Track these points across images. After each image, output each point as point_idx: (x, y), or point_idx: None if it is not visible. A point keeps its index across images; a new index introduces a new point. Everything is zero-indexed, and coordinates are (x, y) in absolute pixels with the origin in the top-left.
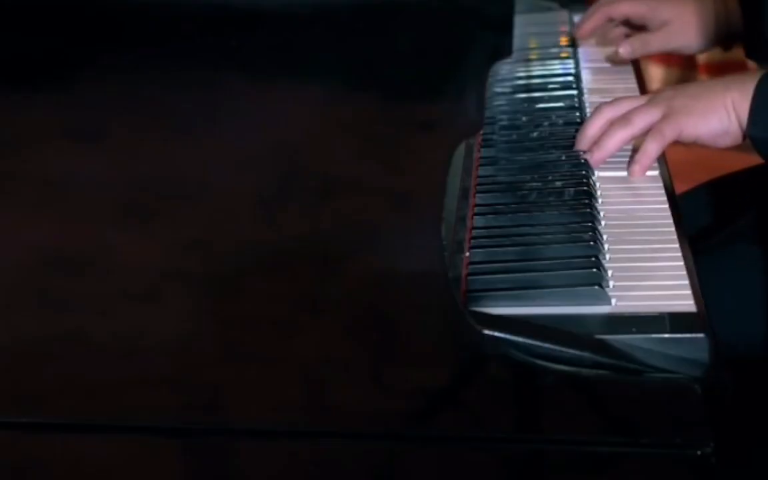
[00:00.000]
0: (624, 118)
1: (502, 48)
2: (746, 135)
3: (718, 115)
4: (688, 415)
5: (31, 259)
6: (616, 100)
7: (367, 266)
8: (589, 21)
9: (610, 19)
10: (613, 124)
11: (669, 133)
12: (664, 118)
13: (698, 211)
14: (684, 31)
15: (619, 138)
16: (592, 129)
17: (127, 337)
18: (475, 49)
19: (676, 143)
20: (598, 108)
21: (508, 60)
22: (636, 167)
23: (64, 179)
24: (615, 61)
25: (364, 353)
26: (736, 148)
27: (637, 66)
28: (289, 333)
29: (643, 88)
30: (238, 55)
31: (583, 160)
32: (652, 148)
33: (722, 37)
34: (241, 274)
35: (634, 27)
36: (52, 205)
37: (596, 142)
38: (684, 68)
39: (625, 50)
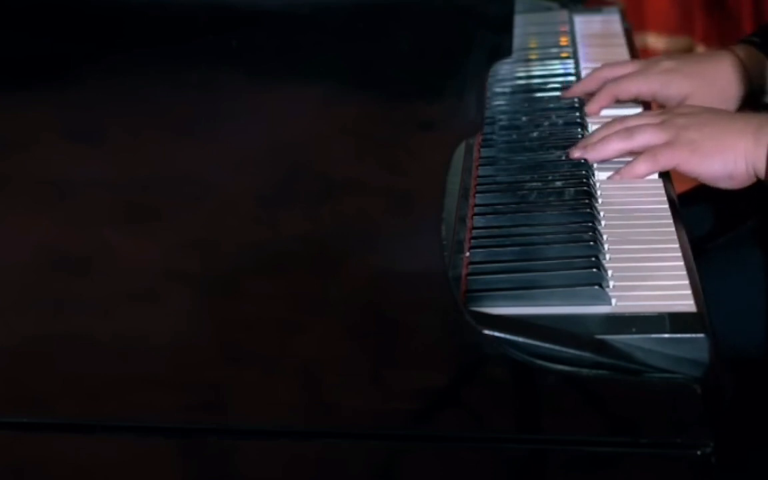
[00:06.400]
0: (627, 131)
1: (502, 48)
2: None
3: (723, 159)
4: (688, 415)
5: (32, 259)
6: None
7: (367, 266)
8: (595, 103)
9: (617, 100)
10: (615, 133)
11: (663, 162)
12: (667, 144)
13: (698, 211)
14: (709, 101)
15: (615, 149)
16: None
17: (127, 337)
18: (475, 49)
19: None
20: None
21: (508, 60)
22: (617, 176)
23: (64, 179)
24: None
25: (364, 353)
26: None
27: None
28: (289, 333)
29: None
30: (238, 55)
31: (582, 160)
32: (640, 169)
33: (746, 97)
34: (241, 274)
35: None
36: (52, 205)
37: (593, 144)
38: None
39: None
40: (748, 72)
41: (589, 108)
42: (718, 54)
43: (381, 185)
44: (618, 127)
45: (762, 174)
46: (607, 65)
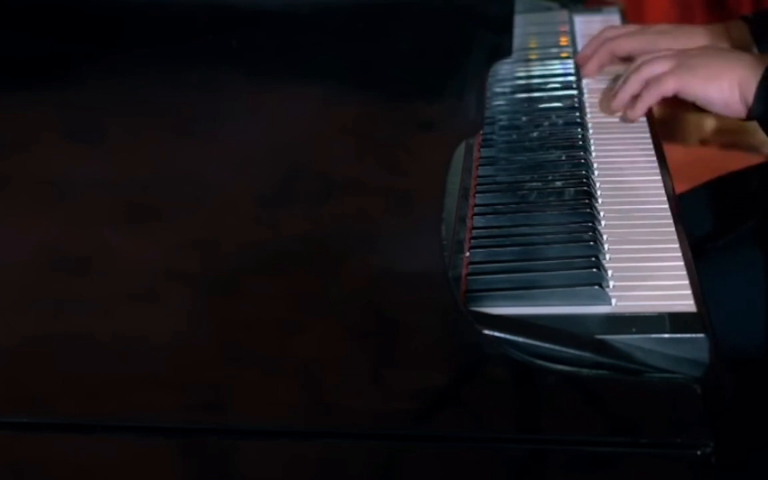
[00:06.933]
0: (638, 67)
1: (502, 48)
2: (750, 114)
3: (719, 86)
4: (688, 415)
5: (32, 259)
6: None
7: (367, 266)
8: (594, 60)
9: (614, 56)
10: (630, 74)
11: (669, 85)
12: (670, 71)
13: (698, 211)
14: None
15: (634, 86)
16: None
17: (127, 337)
18: (475, 49)
19: (677, 142)
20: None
21: (508, 60)
22: (629, 110)
23: (64, 179)
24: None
25: (364, 353)
26: (737, 147)
27: None
28: (289, 333)
29: None
30: (238, 55)
31: (583, 161)
32: (648, 95)
33: None
34: (242, 274)
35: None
36: (52, 205)
37: (620, 90)
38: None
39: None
40: (733, 44)
41: (588, 67)
42: (710, 28)
43: (381, 185)
44: (632, 69)
45: (750, 102)
46: (607, 28)
